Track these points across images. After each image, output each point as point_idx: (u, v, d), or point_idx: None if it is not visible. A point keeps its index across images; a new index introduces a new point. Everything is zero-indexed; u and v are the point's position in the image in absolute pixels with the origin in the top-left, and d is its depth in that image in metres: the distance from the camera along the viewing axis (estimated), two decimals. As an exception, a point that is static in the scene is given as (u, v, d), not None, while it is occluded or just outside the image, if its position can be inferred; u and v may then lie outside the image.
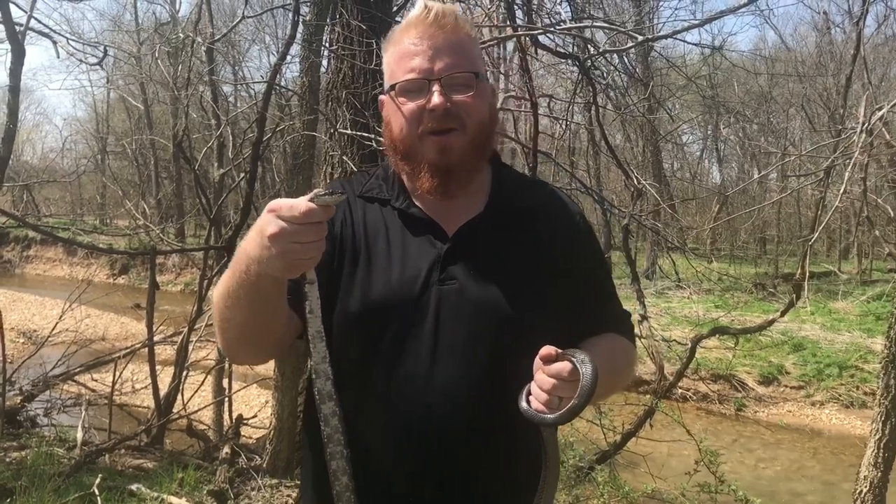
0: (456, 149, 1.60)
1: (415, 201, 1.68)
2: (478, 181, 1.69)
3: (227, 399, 7.81)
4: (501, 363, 1.56)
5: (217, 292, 1.50)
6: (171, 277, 20.54)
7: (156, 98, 24.50)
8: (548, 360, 1.43)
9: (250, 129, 7.94)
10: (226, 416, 8.09)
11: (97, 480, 5.07)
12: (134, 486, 5.33)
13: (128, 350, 8.21)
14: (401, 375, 1.55)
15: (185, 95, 9.70)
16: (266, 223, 1.30)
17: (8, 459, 6.08)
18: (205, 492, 5.29)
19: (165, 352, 9.16)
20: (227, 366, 8.13)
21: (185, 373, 7.43)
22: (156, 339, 7.63)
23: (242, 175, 7.85)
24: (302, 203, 1.27)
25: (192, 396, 7.64)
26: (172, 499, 5.18)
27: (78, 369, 8.69)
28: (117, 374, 7.81)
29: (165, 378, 7.49)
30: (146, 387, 7.99)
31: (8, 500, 4.87)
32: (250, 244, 1.36)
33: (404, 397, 1.55)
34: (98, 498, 4.82)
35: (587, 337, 1.65)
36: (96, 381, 8.84)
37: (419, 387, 1.54)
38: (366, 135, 4.89)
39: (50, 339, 9.23)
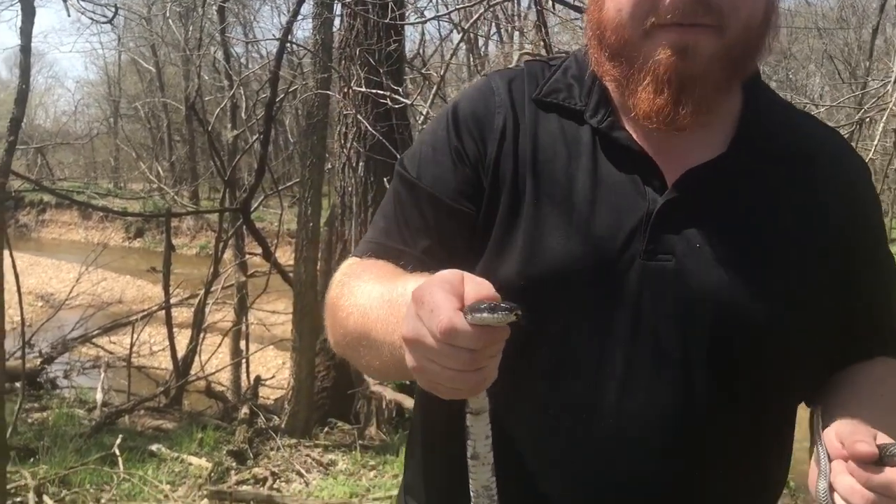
0: (704, 53, 1.04)
1: (622, 122, 1.13)
2: (724, 108, 1.13)
3: (244, 361, 7.86)
4: (729, 389, 1.08)
5: (338, 305, 1.14)
6: (186, 241, 20.60)
7: (167, 60, 24.37)
8: (869, 460, 0.93)
9: (263, 89, 7.88)
10: (243, 377, 8.15)
11: (118, 441, 5.11)
12: (154, 447, 5.38)
13: (145, 313, 8.25)
14: (573, 395, 1.08)
15: (197, 56, 9.63)
16: (406, 316, 0.88)
17: (30, 420, 6.15)
18: (224, 452, 5.32)
19: (182, 314, 9.19)
20: (243, 328, 8.18)
21: (202, 335, 7.46)
22: (172, 301, 7.66)
23: (256, 136, 7.81)
24: (445, 313, 0.82)
25: (209, 358, 7.68)
26: (192, 458, 5.22)
27: (96, 332, 8.74)
28: (135, 336, 7.86)
29: (182, 340, 7.53)
30: (163, 349, 8.04)
31: (31, 460, 4.92)
32: (389, 312, 0.99)
33: (578, 430, 1.08)
34: (119, 458, 4.86)
35: (853, 359, 1.17)
36: (114, 343, 8.90)
37: (604, 414, 1.07)
38: (380, 92, 4.82)
39: (67, 302, 9.28)
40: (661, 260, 1.07)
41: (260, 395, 6.85)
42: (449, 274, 0.86)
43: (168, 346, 7.25)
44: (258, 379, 6.85)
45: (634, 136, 1.12)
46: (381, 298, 1.03)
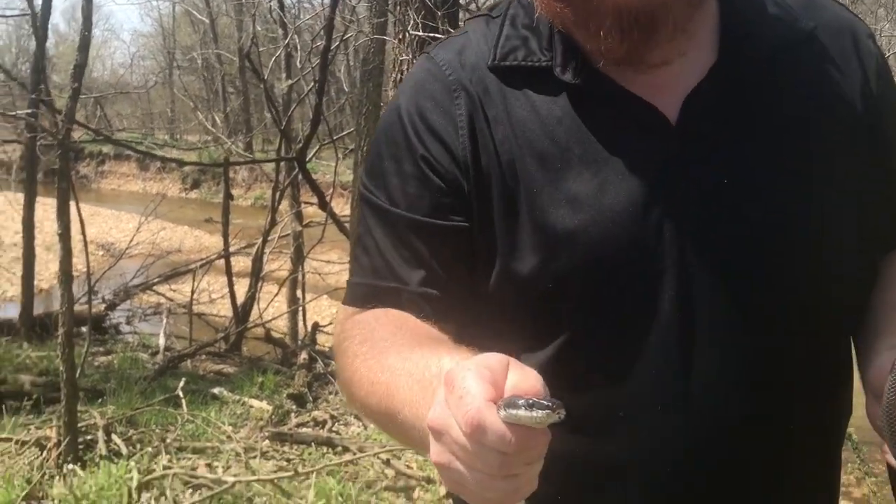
0: None
1: (597, 67, 0.97)
2: (702, 23, 0.99)
3: (300, 309, 7.95)
4: (802, 323, 0.97)
5: (354, 382, 0.97)
6: (241, 192, 20.83)
7: (220, 10, 24.44)
8: None
9: (317, 38, 7.86)
10: (300, 324, 8.27)
11: (181, 384, 5.24)
12: (216, 390, 5.51)
13: (204, 261, 8.39)
14: (642, 385, 0.96)
15: (251, 6, 9.62)
16: (435, 400, 0.74)
17: (96, 363, 6.35)
18: (284, 395, 5.43)
19: (239, 264, 9.34)
20: (300, 277, 8.27)
21: (259, 283, 7.57)
22: (231, 250, 7.77)
23: (311, 86, 7.79)
24: (474, 403, 0.69)
25: (267, 306, 7.80)
26: (253, 401, 5.34)
27: (157, 280, 8.95)
28: (195, 284, 8.01)
29: (241, 289, 7.65)
30: (222, 296, 8.20)
31: (99, 401, 5.09)
32: (421, 395, 0.82)
33: (630, 420, 0.97)
34: (182, 400, 4.99)
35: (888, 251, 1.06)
36: (174, 291, 9.10)
37: (661, 399, 0.96)
38: (437, 36, 4.76)
39: (128, 251, 9.48)
40: (691, 207, 0.94)
41: (317, 341, 6.95)
42: (492, 358, 0.73)
43: (227, 294, 7.38)
44: (316, 326, 6.95)
45: (616, 80, 0.97)
46: (409, 377, 0.86)
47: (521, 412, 0.68)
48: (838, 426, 1.06)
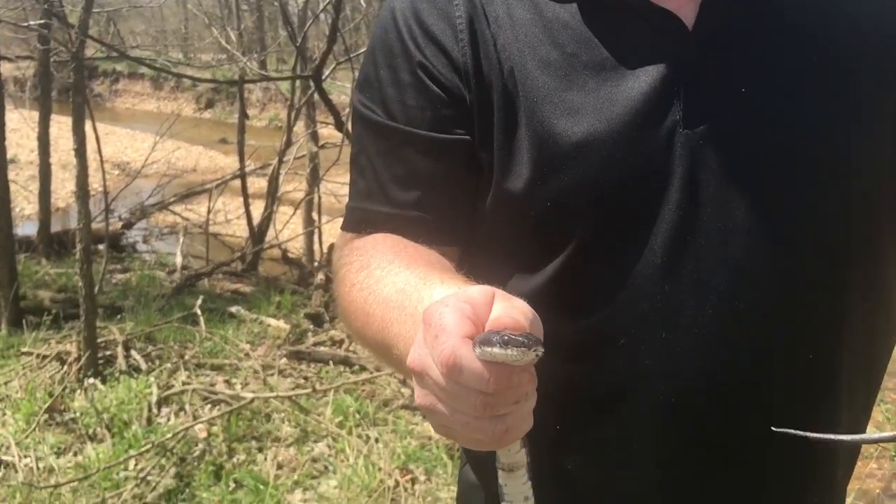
0: None
1: None
2: None
3: (316, 230, 7.94)
4: (836, 260, 0.90)
5: (351, 312, 0.93)
6: (256, 112, 20.65)
7: (233, -74, 23.85)
8: None
9: (334, -47, 7.64)
10: (316, 246, 8.27)
11: (198, 302, 5.27)
12: (233, 308, 5.54)
13: (220, 181, 8.36)
14: (640, 318, 0.89)
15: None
16: (416, 339, 0.70)
17: (114, 281, 6.39)
18: (301, 315, 5.46)
19: (254, 185, 9.30)
20: (315, 199, 8.23)
21: (275, 204, 7.55)
22: (247, 170, 7.73)
23: (327, 1, 7.61)
24: (449, 341, 0.64)
25: (283, 227, 7.79)
26: (271, 320, 5.37)
27: (172, 199, 8.94)
28: (211, 204, 7.99)
29: (256, 209, 7.63)
30: (238, 217, 8.20)
31: (118, 318, 5.13)
32: (413, 328, 0.76)
33: (632, 346, 0.90)
34: (200, 318, 5.02)
35: None
36: (190, 210, 9.10)
37: (667, 323, 0.89)
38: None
39: (143, 170, 9.46)
40: (709, 122, 0.86)
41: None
42: (475, 290, 0.68)
43: (243, 214, 7.36)
44: (332, 247, 6.93)
45: None
46: (402, 310, 0.82)
47: (496, 349, 0.63)
48: (870, 361, 0.98)
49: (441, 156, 0.94)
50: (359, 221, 1.00)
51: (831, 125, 0.88)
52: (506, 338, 0.63)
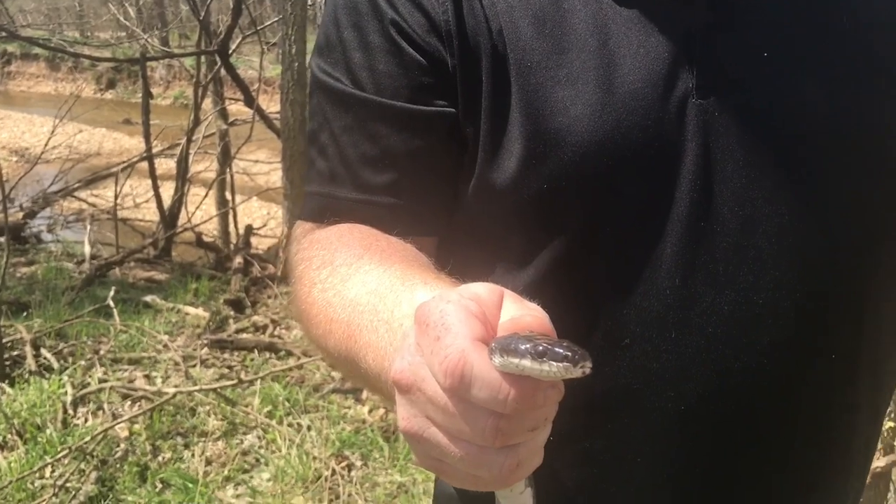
0: None
1: None
2: None
3: (231, 211, 7.69)
4: (867, 246, 0.81)
5: (311, 316, 0.79)
6: (160, 90, 19.94)
7: None
8: None
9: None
10: (231, 227, 8.02)
11: (111, 293, 5.01)
12: (148, 298, 5.31)
13: (126, 163, 8.00)
14: (649, 312, 0.79)
15: None
16: (402, 345, 0.58)
17: (18, 275, 6.04)
18: (221, 301, 5.26)
19: (162, 166, 8.95)
20: (228, 178, 7.97)
21: (186, 185, 7.27)
22: (154, 151, 7.41)
23: (230, -27, 7.31)
24: (457, 344, 0.51)
25: (195, 210, 7.51)
26: (189, 309, 5.16)
27: (77, 185, 8.53)
28: (118, 188, 7.64)
29: (166, 192, 7.34)
30: (148, 200, 7.87)
31: (24, 314, 4.84)
32: (388, 338, 0.65)
33: (638, 345, 0.80)
34: (114, 310, 4.78)
35: None
36: (97, 196, 8.71)
37: (676, 318, 0.79)
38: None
39: (44, 155, 8.99)
40: (723, 93, 0.76)
41: (251, 244, 6.75)
42: (482, 288, 0.56)
43: (153, 197, 7.07)
44: (249, 228, 6.73)
45: None
46: (374, 314, 0.68)
47: (527, 362, 0.48)
48: (893, 354, 0.89)
49: (419, 131, 0.82)
50: (320, 209, 0.86)
51: (863, 99, 0.79)
52: (541, 347, 0.48)
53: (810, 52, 0.79)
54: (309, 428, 3.69)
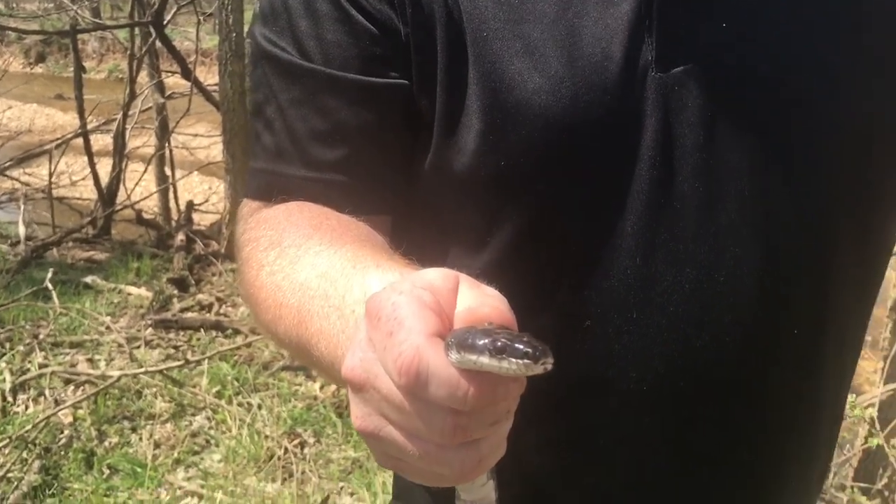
0: None
1: None
2: None
3: (171, 187, 7.51)
4: (825, 232, 0.78)
5: (260, 301, 0.75)
6: (94, 64, 19.37)
7: None
8: None
9: None
10: (172, 204, 7.85)
11: (49, 275, 4.85)
12: (88, 279, 5.16)
13: (61, 140, 7.75)
14: (609, 296, 0.77)
15: None
16: (353, 341, 0.54)
17: (-52, 259, 5.82)
18: (164, 280, 5.14)
19: (99, 142, 8.70)
20: (167, 153, 7.78)
21: (124, 162, 7.06)
22: (89, 127, 7.18)
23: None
24: (411, 340, 0.49)
25: (134, 186, 7.32)
26: (131, 289, 5.04)
27: (8, 163, 8.23)
28: (52, 166, 7.40)
29: (103, 169, 7.12)
30: (84, 178, 7.64)
31: (-44, 300, 4.67)
32: (340, 325, 0.62)
33: (601, 327, 0.78)
34: (52, 292, 4.63)
35: None
36: (30, 175, 8.42)
37: (639, 299, 0.76)
38: None
39: (-29, 133, 8.67)
40: (682, 66, 0.73)
41: (193, 221, 6.60)
42: (436, 275, 0.53)
43: (90, 175, 6.86)
44: (190, 204, 6.58)
45: None
46: (325, 299, 0.65)
47: (484, 359, 0.46)
48: (856, 330, 0.88)
49: (371, 104, 0.78)
50: (268, 187, 0.82)
51: (834, 72, 0.76)
52: (500, 343, 0.46)
53: (772, 21, 0.76)
54: (259, 407, 3.64)
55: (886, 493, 3.30)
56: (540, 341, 0.47)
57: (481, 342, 0.47)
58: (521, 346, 0.46)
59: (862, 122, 0.77)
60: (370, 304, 0.52)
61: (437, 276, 0.53)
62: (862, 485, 3.25)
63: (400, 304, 0.50)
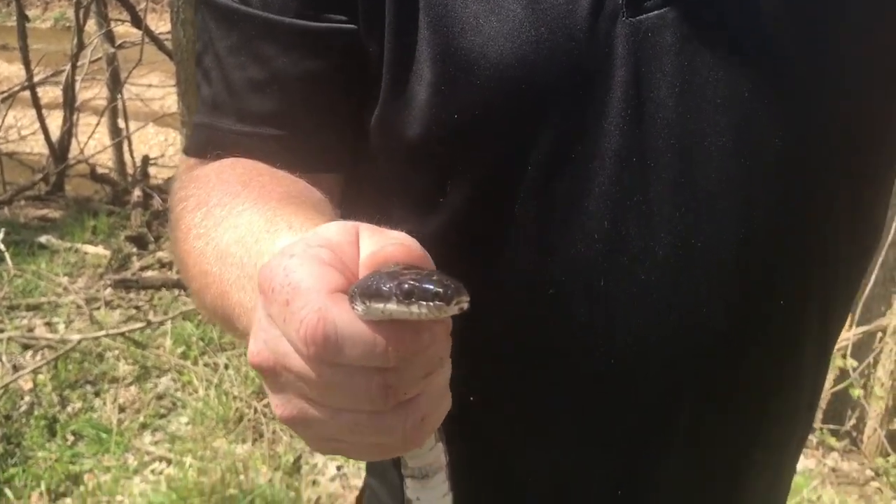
0: None
1: None
2: None
3: (125, 140, 7.30)
4: (810, 193, 0.73)
5: (188, 266, 0.68)
6: (38, 12, 18.70)
7: None
8: None
9: None
10: (127, 158, 7.64)
11: (0, 235, 4.69)
12: (43, 238, 5.00)
13: (6, 94, 7.47)
14: (575, 262, 0.71)
15: None
16: (255, 322, 0.49)
17: None
18: (122, 238, 5.00)
19: (49, 94, 8.41)
20: (120, 105, 7.55)
21: (75, 115, 6.83)
22: (36, 79, 6.92)
23: None
24: (310, 304, 0.43)
25: (87, 140, 7.09)
26: (88, 248, 4.90)
27: (-48, 119, 7.93)
28: (-1, 120, 7.15)
29: (54, 122, 6.88)
30: (34, 133, 7.38)
31: None
32: (250, 295, 0.56)
33: (563, 297, 0.72)
34: (5, 254, 4.48)
35: None
36: (-25, 130, 8.13)
37: (606, 266, 0.71)
38: None
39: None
40: (655, 10, 0.67)
41: (150, 175, 6.43)
42: (332, 229, 0.48)
43: (39, 129, 6.62)
44: (146, 159, 6.39)
45: None
46: (240, 268, 0.59)
47: (392, 305, 0.42)
48: (841, 303, 0.83)
49: (311, 51, 0.71)
50: (204, 142, 0.76)
51: (819, 21, 0.69)
52: (406, 286, 0.41)
53: None
54: (226, 367, 3.56)
55: (854, 434, 3.34)
56: (452, 278, 0.42)
57: (386, 287, 0.42)
58: (431, 287, 0.41)
59: (855, 72, 0.71)
60: (261, 275, 0.46)
61: (333, 230, 0.48)
62: (831, 426, 3.29)
63: (292, 268, 0.45)
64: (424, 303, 0.41)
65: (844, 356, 3.12)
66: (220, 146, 0.74)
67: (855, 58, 0.71)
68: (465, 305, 0.42)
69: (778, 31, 0.68)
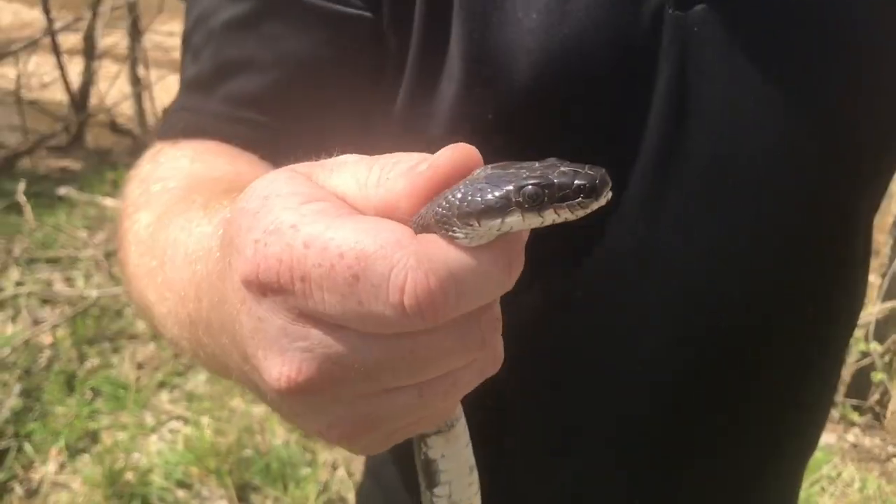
0: None
1: None
2: None
3: (146, 91, 7.24)
4: (852, 181, 0.70)
5: (127, 266, 0.63)
6: (60, -44, 18.59)
7: None
8: None
9: None
10: (148, 108, 7.59)
11: (21, 186, 4.68)
12: (63, 190, 4.99)
13: (27, 43, 7.41)
14: (590, 268, 0.69)
15: None
16: (272, 319, 0.38)
17: (-84, 169, 5.61)
18: (142, 191, 4.97)
19: (69, 41, 8.35)
20: (140, 54, 7.48)
21: (96, 63, 6.78)
22: (58, 26, 6.85)
23: None
24: (397, 252, 0.35)
25: (108, 90, 7.04)
26: (108, 201, 4.88)
27: (-26, 65, 7.90)
28: (20, 67, 7.09)
29: (74, 69, 6.84)
30: (55, 81, 7.34)
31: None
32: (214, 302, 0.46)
33: (598, 317, 0.70)
34: (26, 206, 4.47)
35: None
36: (-2, 77, 8.10)
37: (643, 287, 0.69)
38: None
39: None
40: (704, 3, 0.62)
41: (171, 127, 6.38)
42: (279, 179, 0.39)
43: (60, 78, 6.58)
44: (167, 111, 6.34)
45: None
46: (191, 272, 0.50)
47: (513, 218, 0.33)
48: (849, 321, 0.81)
49: (328, 36, 0.66)
50: (180, 129, 0.70)
51: (866, 15, 0.65)
52: (529, 187, 0.34)
53: None
54: (244, 326, 3.55)
55: (878, 409, 3.30)
56: (567, 163, 0.35)
57: (498, 196, 0.34)
58: (567, 180, 0.34)
59: (891, 72, 0.68)
60: (262, 266, 0.37)
61: (280, 179, 0.40)
62: (853, 401, 3.24)
63: (329, 236, 0.36)
64: (565, 203, 0.34)
65: (866, 338, 3.07)
66: (198, 131, 0.68)
67: (892, 58, 0.67)
68: (610, 194, 0.36)
69: (820, 32, 0.65)
